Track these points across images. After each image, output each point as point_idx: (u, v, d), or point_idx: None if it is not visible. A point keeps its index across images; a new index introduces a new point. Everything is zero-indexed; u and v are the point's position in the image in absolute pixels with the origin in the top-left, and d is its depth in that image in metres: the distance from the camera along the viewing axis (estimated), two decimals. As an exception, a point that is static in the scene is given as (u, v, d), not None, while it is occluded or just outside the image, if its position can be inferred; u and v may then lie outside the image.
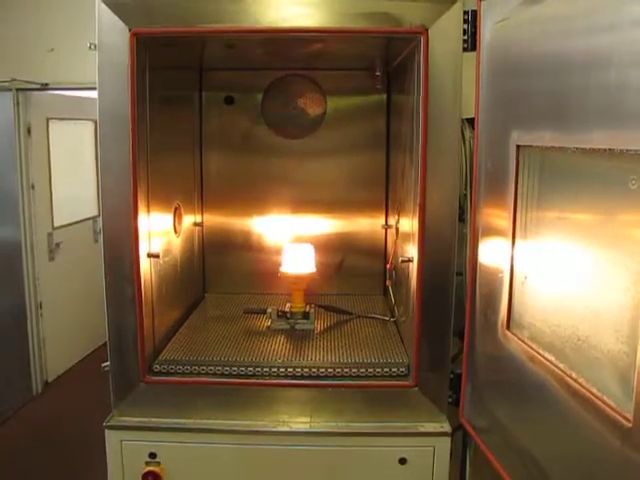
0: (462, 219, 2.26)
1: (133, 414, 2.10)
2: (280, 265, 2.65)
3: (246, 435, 2.08)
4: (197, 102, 2.97)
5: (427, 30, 1.91)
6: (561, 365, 1.41)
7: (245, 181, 2.67)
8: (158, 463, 2.09)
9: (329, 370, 2.17)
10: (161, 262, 2.28)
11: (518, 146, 1.59)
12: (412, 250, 2.14)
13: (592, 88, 1.25)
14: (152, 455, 2.09)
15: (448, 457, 2.07)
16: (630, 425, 1.14)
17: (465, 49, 1.94)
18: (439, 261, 2.02)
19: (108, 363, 2.10)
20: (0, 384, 4.35)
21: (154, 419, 2.10)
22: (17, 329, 4.64)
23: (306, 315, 2.57)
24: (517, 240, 1.64)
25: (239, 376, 2.17)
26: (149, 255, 2.15)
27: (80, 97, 4.84)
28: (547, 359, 1.46)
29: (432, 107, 1.94)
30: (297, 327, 2.55)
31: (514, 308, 1.66)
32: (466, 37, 1.93)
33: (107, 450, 2.11)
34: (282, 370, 2.17)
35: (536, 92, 1.51)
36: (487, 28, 1.80)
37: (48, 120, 4.78)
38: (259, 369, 2.17)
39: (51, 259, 4.91)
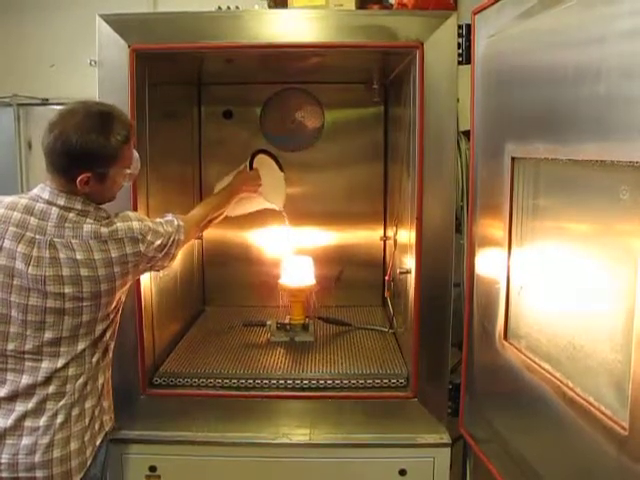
0: (459, 230, 2.27)
1: (133, 427, 2.09)
2: (279, 277, 2.66)
3: (246, 447, 2.08)
4: (196, 116, 2.99)
5: (422, 44, 1.93)
6: (557, 374, 1.41)
7: (244, 194, 2.70)
8: (158, 476, 2.09)
9: (329, 382, 2.18)
10: (161, 275, 2.29)
11: (513, 158, 1.61)
12: (410, 261, 2.16)
13: (582, 100, 1.26)
14: (152, 468, 2.09)
15: (448, 468, 2.07)
16: (626, 433, 1.15)
17: (460, 62, 1.96)
18: (436, 272, 2.03)
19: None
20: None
21: (154, 432, 2.10)
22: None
23: (305, 327, 2.58)
24: (513, 250, 1.66)
25: (239, 388, 2.17)
26: (149, 268, 2.15)
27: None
28: (544, 368, 1.47)
29: (428, 120, 1.97)
30: (296, 339, 2.55)
31: (511, 318, 1.67)
32: (461, 50, 1.96)
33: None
34: (282, 382, 2.18)
35: (529, 104, 1.53)
36: (481, 41, 1.83)
37: (49, 135, 4.77)
38: (259, 381, 2.18)
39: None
